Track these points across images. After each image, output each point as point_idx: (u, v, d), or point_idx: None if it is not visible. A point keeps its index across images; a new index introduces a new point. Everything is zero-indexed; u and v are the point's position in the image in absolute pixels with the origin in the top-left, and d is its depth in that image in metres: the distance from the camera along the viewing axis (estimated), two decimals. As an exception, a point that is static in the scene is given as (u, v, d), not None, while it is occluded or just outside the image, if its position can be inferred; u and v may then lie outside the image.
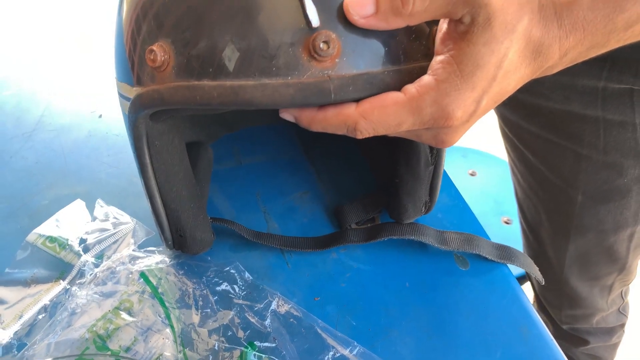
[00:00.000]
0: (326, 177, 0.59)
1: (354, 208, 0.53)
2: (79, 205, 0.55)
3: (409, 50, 0.35)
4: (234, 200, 0.56)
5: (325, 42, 0.32)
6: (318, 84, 0.32)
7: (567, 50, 0.34)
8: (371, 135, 0.35)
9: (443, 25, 0.34)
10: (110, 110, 0.68)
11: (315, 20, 0.31)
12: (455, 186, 0.58)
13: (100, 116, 0.67)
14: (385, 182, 0.52)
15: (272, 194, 0.57)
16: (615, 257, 0.76)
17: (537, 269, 0.52)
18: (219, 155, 0.60)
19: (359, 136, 0.35)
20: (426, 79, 0.33)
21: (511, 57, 0.32)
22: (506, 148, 0.81)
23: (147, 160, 0.42)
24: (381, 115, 0.34)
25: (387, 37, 0.34)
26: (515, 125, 0.73)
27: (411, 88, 0.33)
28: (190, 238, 0.46)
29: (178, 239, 0.46)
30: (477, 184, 1.20)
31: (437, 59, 0.33)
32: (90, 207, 0.55)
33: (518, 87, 0.36)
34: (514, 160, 0.79)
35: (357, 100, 0.34)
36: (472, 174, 1.22)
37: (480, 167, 1.23)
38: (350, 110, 0.34)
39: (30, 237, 0.50)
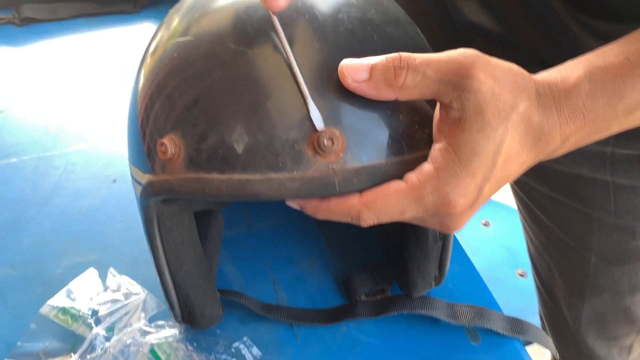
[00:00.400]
0: (335, 245, 0.59)
1: (363, 279, 0.53)
2: (91, 274, 0.55)
3: (412, 140, 0.36)
4: (243, 269, 0.56)
5: (330, 139, 0.32)
6: (323, 178, 0.33)
7: (569, 136, 0.35)
8: (375, 223, 0.35)
9: (438, 111, 0.35)
10: (124, 176, 0.69)
11: (319, 124, 0.32)
12: (466, 254, 0.58)
13: (114, 181, 0.69)
14: (394, 254, 0.52)
15: (281, 262, 0.57)
16: (633, 318, 0.75)
17: (551, 342, 0.51)
18: (230, 221, 0.61)
19: (363, 224, 0.35)
20: (426, 167, 0.34)
21: (509, 143, 0.33)
22: (517, 205, 0.81)
23: (158, 241, 0.42)
24: (384, 205, 0.34)
25: (390, 128, 0.35)
26: (526, 185, 0.73)
27: (412, 177, 0.34)
28: (199, 314, 0.46)
29: (187, 314, 0.47)
30: (490, 234, 1.19)
31: (436, 146, 0.34)
32: (103, 276, 0.55)
33: (522, 171, 0.36)
34: (525, 218, 0.78)
35: (361, 191, 0.34)
36: (486, 224, 1.21)
37: (493, 217, 1.23)
38: (354, 200, 0.35)
39: (44, 310, 0.51)
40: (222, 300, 0.50)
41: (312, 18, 0.35)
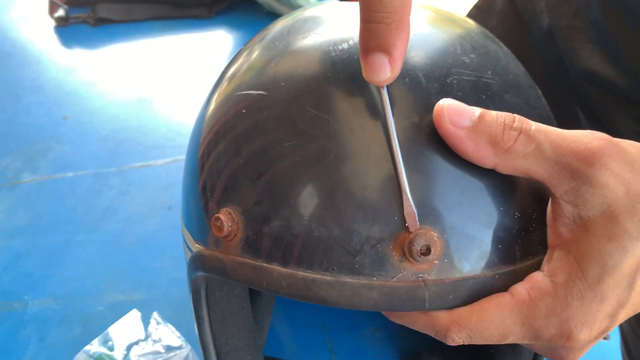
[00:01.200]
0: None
1: (433, 362, 0.45)
2: (133, 317, 0.51)
3: (527, 245, 0.28)
4: (297, 332, 0.50)
5: (425, 244, 0.25)
6: (409, 290, 0.26)
7: None
8: (466, 343, 0.28)
9: (550, 206, 0.27)
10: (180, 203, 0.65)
11: (413, 225, 0.25)
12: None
13: (169, 208, 0.64)
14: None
15: (339, 328, 0.51)
16: None
17: None
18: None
19: (451, 343, 0.28)
20: (540, 279, 0.26)
21: None
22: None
23: (205, 313, 0.37)
24: (480, 323, 0.27)
25: (502, 228, 0.27)
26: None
27: (521, 289, 0.26)
28: (243, 393, 0.40)
29: (230, 391, 0.41)
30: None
31: (554, 253, 0.26)
32: (145, 318, 0.51)
33: None
34: None
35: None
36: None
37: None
38: (442, 314, 0.28)
39: (80, 357, 0.47)
40: (270, 373, 0.44)
41: (413, 83, 0.28)
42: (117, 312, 0.51)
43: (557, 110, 0.54)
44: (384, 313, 0.30)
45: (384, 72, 0.25)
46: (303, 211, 0.27)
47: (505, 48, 0.36)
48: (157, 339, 0.50)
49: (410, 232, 0.26)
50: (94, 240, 0.60)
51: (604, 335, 0.27)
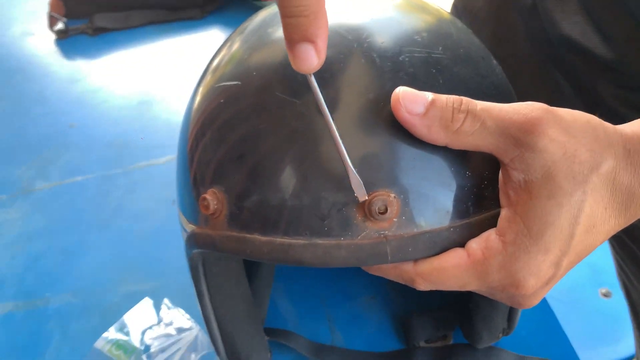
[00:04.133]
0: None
1: (423, 323, 0.49)
2: (146, 304, 0.55)
3: (479, 200, 0.31)
4: (297, 304, 0.54)
5: (383, 204, 0.29)
6: (373, 246, 0.29)
7: None
8: (431, 289, 0.32)
9: (501, 172, 0.30)
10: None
11: (361, 194, 0.28)
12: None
13: (173, 202, 0.68)
14: (459, 298, 0.48)
15: (337, 298, 0.54)
16: None
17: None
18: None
19: (419, 289, 0.32)
20: (492, 239, 0.29)
21: (590, 210, 0.28)
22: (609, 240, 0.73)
23: (204, 287, 0.41)
24: (440, 278, 0.30)
25: (455, 186, 0.30)
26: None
27: (476, 250, 0.29)
28: (246, 360, 0.44)
29: (235, 360, 0.45)
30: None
31: (502, 213, 0.29)
32: (157, 305, 0.55)
33: (610, 236, 0.31)
34: (622, 257, 0.70)
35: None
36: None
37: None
38: (408, 267, 0.31)
39: (99, 344, 0.51)
40: (271, 343, 0.47)
41: (369, 62, 0.31)
42: (131, 301, 0.55)
43: (543, 81, 0.56)
44: (364, 268, 0.33)
45: (311, 60, 0.27)
46: (278, 185, 0.31)
47: (460, 25, 0.38)
48: (168, 322, 0.54)
49: (370, 194, 0.29)
50: (106, 237, 0.64)
51: (552, 282, 0.30)
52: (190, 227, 0.37)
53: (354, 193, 0.29)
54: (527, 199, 0.28)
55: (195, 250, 0.37)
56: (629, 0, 0.42)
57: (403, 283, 0.33)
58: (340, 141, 0.28)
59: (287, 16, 0.25)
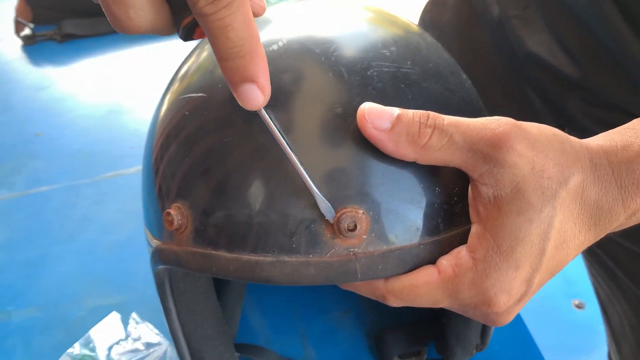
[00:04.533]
0: (369, 294, 0.55)
1: (397, 338, 0.48)
2: (113, 319, 0.53)
3: (450, 216, 0.31)
4: (269, 319, 0.53)
5: (352, 222, 0.28)
6: (342, 264, 0.29)
7: (635, 211, 0.29)
8: (402, 305, 0.31)
9: (470, 187, 0.30)
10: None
11: (329, 214, 0.28)
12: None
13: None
14: (433, 312, 0.47)
15: (310, 312, 0.53)
16: None
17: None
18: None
19: (390, 305, 0.31)
20: (463, 256, 0.29)
21: (560, 226, 0.28)
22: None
23: (171, 305, 0.39)
24: (411, 295, 0.30)
25: (425, 203, 0.30)
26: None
27: (447, 267, 0.29)
28: (216, 379, 0.43)
29: (204, 378, 0.44)
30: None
31: (472, 230, 0.29)
32: (125, 320, 0.53)
33: (581, 251, 0.31)
34: (591, 263, 0.71)
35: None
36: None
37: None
38: (379, 284, 0.31)
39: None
40: (242, 358, 0.46)
41: (336, 77, 0.31)
42: (98, 315, 0.53)
43: (513, 95, 0.57)
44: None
45: (256, 99, 0.26)
46: (244, 201, 0.30)
47: (430, 40, 0.38)
48: (136, 337, 0.52)
49: (338, 211, 0.28)
50: (72, 249, 0.62)
51: (525, 299, 0.30)
52: (155, 242, 0.36)
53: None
54: (497, 215, 0.28)
55: (161, 266, 0.36)
56: (590, 20, 0.43)
57: (375, 299, 0.32)
58: (301, 168, 0.28)
59: (224, 60, 0.25)
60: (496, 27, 0.55)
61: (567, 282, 1.04)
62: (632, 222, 0.30)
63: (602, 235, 0.30)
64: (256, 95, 0.26)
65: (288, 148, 0.28)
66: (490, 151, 0.27)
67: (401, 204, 0.29)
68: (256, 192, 0.30)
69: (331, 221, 0.28)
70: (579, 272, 1.02)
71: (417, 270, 0.29)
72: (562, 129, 0.30)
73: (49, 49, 1.06)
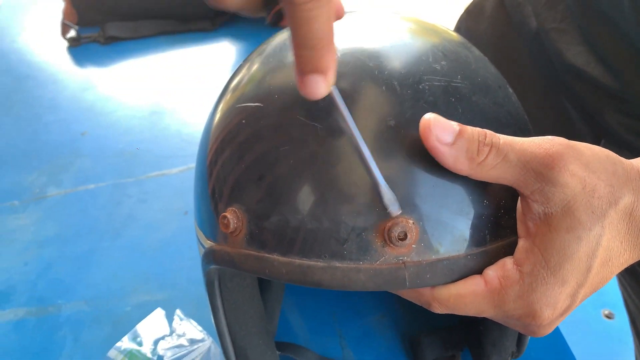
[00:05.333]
0: (405, 300, 0.56)
1: (432, 342, 0.49)
2: (158, 315, 0.56)
3: (496, 228, 0.32)
4: (308, 320, 0.54)
5: (403, 231, 0.29)
6: (392, 272, 0.30)
7: None
8: (446, 312, 0.32)
9: (520, 203, 0.31)
10: (194, 208, 0.70)
11: (395, 208, 0.29)
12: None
13: (185, 213, 0.69)
14: (468, 318, 0.48)
15: (348, 315, 0.55)
16: None
17: None
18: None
19: (435, 312, 0.32)
20: (510, 268, 0.30)
21: (608, 244, 0.29)
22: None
23: (219, 303, 0.41)
24: (457, 304, 0.31)
25: (473, 215, 0.31)
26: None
27: (493, 278, 0.30)
28: (258, 375, 0.45)
29: (246, 374, 0.45)
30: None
31: (520, 244, 0.30)
32: (170, 316, 0.56)
33: (623, 268, 0.31)
34: (622, 273, 0.71)
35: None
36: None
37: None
38: (426, 291, 0.32)
39: (111, 354, 0.51)
40: (282, 357, 0.48)
41: (389, 90, 0.32)
42: (143, 311, 0.56)
43: (549, 106, 0.57)
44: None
45: (320, 90, 0.27)
46: (298, 207, 0.31)
47: (477, 53, 0.39)
48: (181, 333, 0.54)
49: (389, 220, 0.30)
50: (118, 246, 0.65)
51: (567, 312, 0.31)
52: (208, 243, 0.38)
53: (374, 219, 0.30)
54: (546, 231, 0.29)
55: (213, 267, 0.38)
56: (631, 31, 0.43)
57: (419, 304, 0.33)
58: (371, 158, 0.29)
59: (302, 48, 0.26)
60: (533, 39, 0.55)
61: (597, 292, 1.03)
62: None
63: None
64: (321, 87, 0.27)
65: (359, 138, 0.29)
66: (543, 170, 0.28)
67: (450, 215, 0.31)
68: (310, 199, 0.31)
69: (394, 214, 0.29)
70: (608, 284, 1.01)
71: (464, 280, 0.30)
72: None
73: (93, 51, 1.10)
